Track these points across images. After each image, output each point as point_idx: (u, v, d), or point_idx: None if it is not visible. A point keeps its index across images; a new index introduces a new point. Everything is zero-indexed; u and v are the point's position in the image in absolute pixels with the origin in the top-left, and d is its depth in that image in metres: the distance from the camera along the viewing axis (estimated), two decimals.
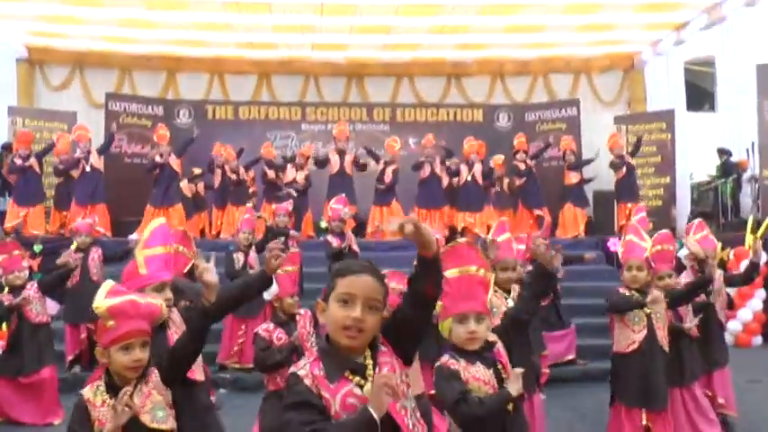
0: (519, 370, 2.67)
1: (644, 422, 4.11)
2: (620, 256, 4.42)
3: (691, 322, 4.56)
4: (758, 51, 10.76)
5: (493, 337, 2.80)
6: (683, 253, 5.28)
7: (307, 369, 1.95)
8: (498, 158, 10.94)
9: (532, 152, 11.58)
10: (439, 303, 2.86)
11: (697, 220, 5.15)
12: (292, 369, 2.00)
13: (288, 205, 7.90)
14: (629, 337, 4.21)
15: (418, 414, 2.08)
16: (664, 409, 4.16)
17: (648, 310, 4.14)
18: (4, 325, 6.05)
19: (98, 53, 13.31)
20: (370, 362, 1.98)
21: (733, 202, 10.87)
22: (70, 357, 6.66)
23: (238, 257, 6.82)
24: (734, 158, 11.45)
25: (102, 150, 10.55)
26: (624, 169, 10.77)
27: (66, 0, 10.28)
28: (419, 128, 13.35)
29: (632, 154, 10.98)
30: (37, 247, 7.69)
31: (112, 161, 11.69)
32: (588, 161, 11.34)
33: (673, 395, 4.59)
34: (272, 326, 4.05)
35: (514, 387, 2.61)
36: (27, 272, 5.83)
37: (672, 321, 4.47)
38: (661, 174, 11.58)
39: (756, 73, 10.00)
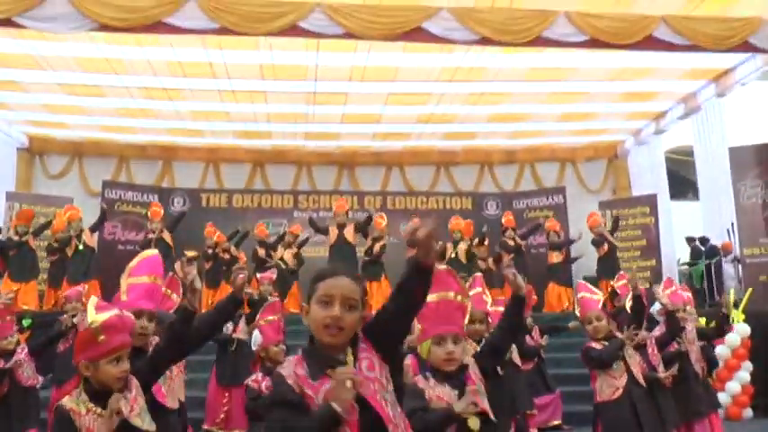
0: (473, 387, 2.78)
1: None
2: (578, 314, 4.68)
3: (662, 371, 4.78)
4: (731, 136, 11.38)
5: (468, 361, 2.98)
6: (654, 308, 5.55)
7: (290, 369, 2.15)
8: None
9: (522, 233, 11.96)
10: (418, 326, 3.12)
11: (666, 277, 5.45)
12: (278, 369, 2.21)
13: (271, 274, 8.10)
14: (612, 385, 4.38)
15: (399, 408, 2.26)
16: None
17: (623, 354, 4.34)
18: None
19: (96, 142, 13.92)
20: (350, 358, 2.15)
21: (710, 284, 11.16)
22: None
23: (227, 326, 6.98)
24: (717, 242, 11.81)
25: (95, 228, 10.88)
26: (606, 246, 11.15)
27: (69, 90, 10.86)
28: (409, 215, 13.60)
29: (611, 232, 11.39)
30: (26, 321, 7.82)
31: (106, 247, 11.98)
32: (570, 241, 11.74)
33: None
34: (260, 375, 4.21)
35: (460, 405, 2.70)
36: (17, 337, 5.99)
37: (646, 371, 4.67)
38: (647, 257, 11.93)
39: (729, 156, 10.52)
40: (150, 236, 10.64)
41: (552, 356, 7.23)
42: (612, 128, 13.80)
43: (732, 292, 8.69)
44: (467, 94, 11.33)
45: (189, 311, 2.78)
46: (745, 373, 8.37)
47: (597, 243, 11.29)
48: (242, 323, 7.21)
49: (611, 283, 9.62)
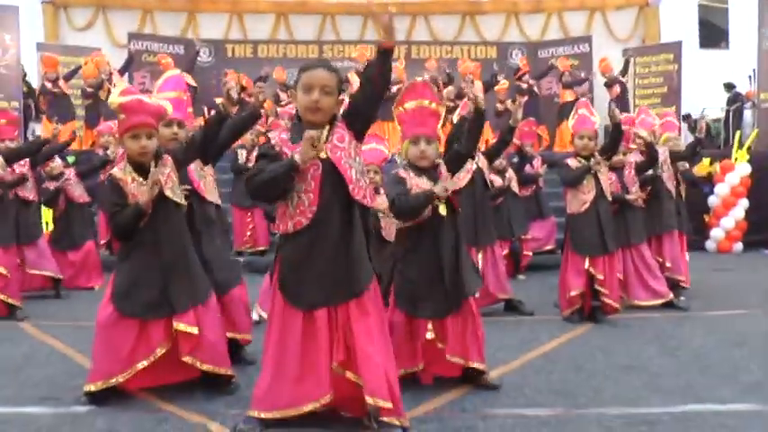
0: (447, 176, 3.47)
1: (587, 266, 5.02)
2: (571, 128, 5.30)
3: (635, 193, 5.48)
4: None
5: (438, 161, 3.67)
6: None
7: (276, 134, 2.90)
8: (503, 84, 11.74)
9: (535, 75, 12.42)
10: (399, 128, 3.80)
11: (639, 107, 6.03)
12: (268, 134, 2.98)
13: (291, 110, 8.77)
14: (581, 199, 5.08)
15: (366, 178, 3.00)
16: (607, 254, 5.03)
17: (597, 168, 5.01)
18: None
19: None
20: (326, 131, 2.84)
21: (727, 130, 11.59)
22: (103, 241, 7.82)
23: (241, 153, 7.80)
24: (741, 90, 12.11)
25: (124, 69, 11.60)
26: (617, 88, 11.61)
27: None
28: (436, 62, 14.09)
29: (622, 74, 11.84)
30: (70, 158, 8.73)
31: None
32: (584, 80, 12.18)
33: (624, 256, 5.54)
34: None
35: (439, 187, 3.34)
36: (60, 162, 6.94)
37: (616, 192, 5.37)
38: (666, 104, 12.24)
39: (758, 3, 10.58)
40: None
41: (554, 191, 7.88)
42: None
43: (738, 134, 9.17)
44: None
45: (222, 114, 3.43)
46: (740, 209, 9.03)
47: (609, 84, 11.73)
48: (255, 152, 8.04)
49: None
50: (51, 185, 6.77)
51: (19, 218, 5.92)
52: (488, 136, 9.88)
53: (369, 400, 2.74)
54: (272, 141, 2.88)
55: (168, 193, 3.31)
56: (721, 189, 9.10)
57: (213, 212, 3.99)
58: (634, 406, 3.29)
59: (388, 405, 2.75)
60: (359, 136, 2.93)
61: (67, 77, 11.57)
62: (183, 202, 3.42)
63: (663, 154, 5.76)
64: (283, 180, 2.73)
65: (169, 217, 3.34)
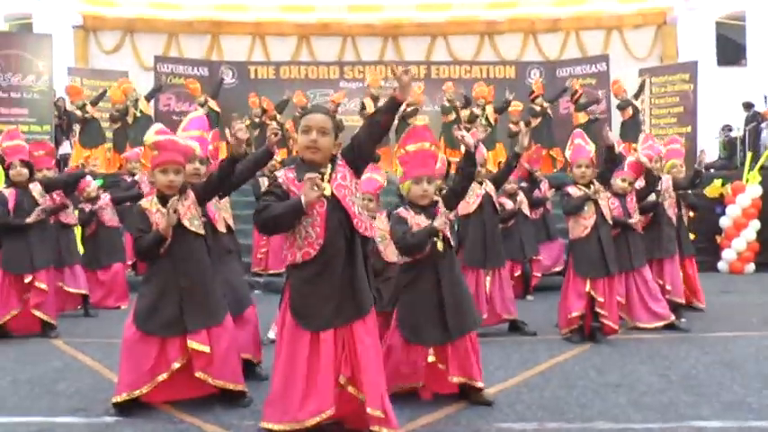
0: (445, 211, 3.85)
1: (588, 289, 5.33)
2: (569, 158, 5.63)
3: (635, 218, 5.79)
4: None
5: (437, 198, 4.04)
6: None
7: (283, 172, 3.26)
8: (517, 105, 12.09)
9: (550, 98, 12.73)
10: (401, 170, 4.18)
11: (643, 134, 6.34)
12: (275, 173, 3.34)
13: None
14: (582, 225, 5.39)
15: (366, 213, 3.38)
16: (608, 277, 5.34)
17: (595, 197, 5.33)
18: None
19: (146, 19, 15.02)
20: (329, 170, 3.21)
21: (744, 149, 11.75)
22: (129, 262, 8.28)
23: (262, 182, 8.21)
24: (759, 109, 12.30)
25: (150, 96, 12.26)
26: (630, 110, 11.88)
27: None
28: (453, 85, 14.51)
29: (636, 97, 12.11)
30: (99, 182, 9.21)
31: (162, 117, 13.32)
32: (595, 101, 12.53)
33: (626, 279, 5.85)
34: None
35: (437, 221, 3.72)
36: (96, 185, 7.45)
37: (616, 216, 5.68)
38: (683, 124, 12.49)
39: None
40: (200, 108, 11.91)
41: (561, 213, 8.18)
42: None
43: (750, 155, 9.39)
44: None
45: (234, 157, 3.79)
46: (751, 231, 9.24)
47: (621, 107, 12.03)
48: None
49: (634, 145, 10.46)
50: (86, 207, 7.29)
51: (60, 241, 6.53)
52: (501, 157, 10.25)
53: (370, 411, 3.08)
54: (279, 180, 3.21)
55: (186, 223, 3.72)
56: (732, 210, 9.33)
57: (227, 240, 4.42)
58: (615, 422, 3.59)
59: (379, 413, 3.09)
60: (358, 173, 3.30)
61: (94, 102, 12.18)
62: (201, 231, 3.81)
63: (666, 182, 6.07)
64: (290, 220, 3.09)
65: (187, 245, 3.74)
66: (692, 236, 9.36)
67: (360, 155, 3.26)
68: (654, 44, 15.10)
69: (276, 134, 4.01)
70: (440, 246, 3.80)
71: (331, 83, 15.14)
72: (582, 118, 12.37)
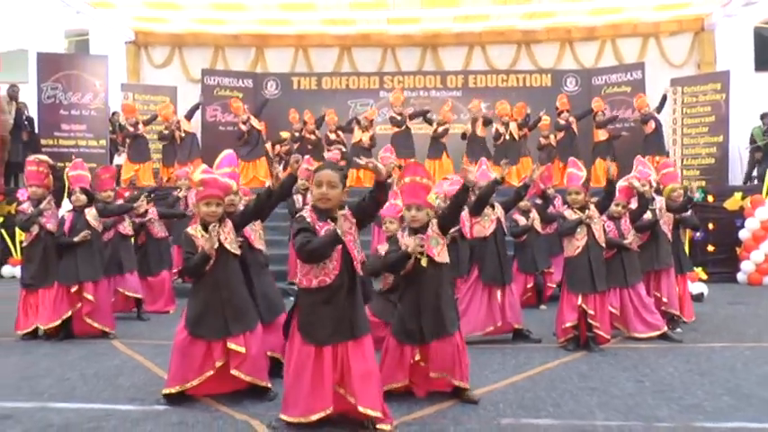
0: (421, 236, 4.50)
1: (579, 302, 6.08)
2: (566, 185, 6.38)
3: (629, 239, 6.49)
4: None
5: (433, 220, 4.77)
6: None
7: (308, 213, 4.13)
8: (545, 120, 12.77)
9: (576, 114, 13.39)
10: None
11: (637, 158, 7.04)
12: (300, 213, 4.20)
13: (335, 155, 10.07)
14: (574, 245, 6.15)
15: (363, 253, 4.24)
16: (597, 293, 6.07)
17: (587, 221, 6.08)
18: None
19: (194, 34, 16.21)
20: (341, 217, 4.05)
21: None
22: (175, 270, 9.31)
23: (297, 199, 9.09)
24: None
25: (190, 115, 13.49)
26: (653, 123, 12.44)
27: None
28: (490, 93, 15.24)
29: (658, 110, 12.69)
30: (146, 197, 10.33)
31: (209, 128, 14.59)
32: (613, 118, 13.18)
33: (622, 295, 6.56)
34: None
35: (410, 246, 4.35)
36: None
37: (611, 238, 6.40)
38: (714, 133, 12.94)
39: None
40: (243, 128, 13.07)
41: None
42: (699, 1, 14.35)
43: None
44: None
45: (270, 189, 4.72)
46: None
47: (644, 121, 12.62)
48: (309, 195, 9.36)
49: (657, 158, 11.04)
50: (137, 220, 8.32)
51: (120, 250, 7.76)
52: (526, 171, 10.98)
53: (361, 410, 3.94)
54: (308, 220, 4.01)
55: (227, 245, 4.63)
56: (751, 223, 9.86)
57: (262, 256, 5.34)
58: (580, 419, 4.34)
59: (378, 414, 3.95)
60: (360, 226, 4.13)
61: (147, 122, 13.45)
62: (238, 252, 4.72)
63: (660, 202, 6.77)
64: (330, 249, 3.90)
65: (227, 264, 4.65)
66: (711, 248, 10.02)
67: (363, 218, 4.11)
68: (691, 51, 15.50)
69: (297, 161, 4.84)
70: (424, 262, 4.54)
71: (371, 93, 16.01)
72: (602, 135, 13.02)
